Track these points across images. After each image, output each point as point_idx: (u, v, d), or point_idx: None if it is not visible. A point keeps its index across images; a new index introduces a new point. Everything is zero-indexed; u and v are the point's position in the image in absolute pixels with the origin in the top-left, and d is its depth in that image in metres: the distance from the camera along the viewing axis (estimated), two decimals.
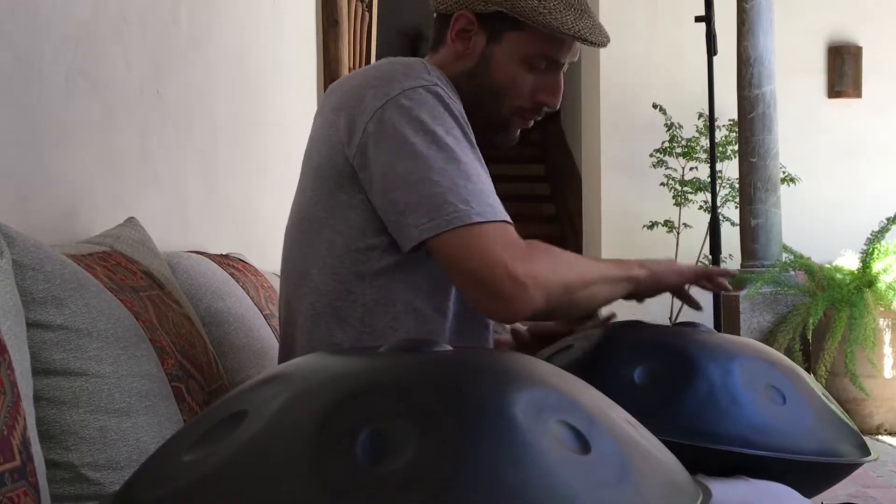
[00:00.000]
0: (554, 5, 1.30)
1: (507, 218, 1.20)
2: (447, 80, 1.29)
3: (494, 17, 1.32)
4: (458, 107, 1.26)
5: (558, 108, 1.39)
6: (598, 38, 1.31)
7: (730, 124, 5.80)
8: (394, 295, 1.27)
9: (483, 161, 1.26)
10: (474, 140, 1.26)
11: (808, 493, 1.23)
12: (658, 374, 1.17)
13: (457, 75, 1.34)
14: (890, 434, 4.49)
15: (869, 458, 1.20)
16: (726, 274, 1.47)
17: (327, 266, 1.28)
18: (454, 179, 1.18)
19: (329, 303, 1.28)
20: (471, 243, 1.16)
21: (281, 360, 1.38)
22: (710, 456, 1.07)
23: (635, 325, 1.34)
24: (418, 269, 1.27)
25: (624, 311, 1.49)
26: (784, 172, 5.42)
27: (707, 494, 0.79)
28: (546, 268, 1.18)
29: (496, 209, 1.19)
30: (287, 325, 1.37)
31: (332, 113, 1.28)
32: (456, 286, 1.26)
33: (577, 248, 7.47)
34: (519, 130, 1.41)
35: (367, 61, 4.22)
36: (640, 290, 1.35)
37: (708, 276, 1.44)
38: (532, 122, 1.40)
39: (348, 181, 1.25)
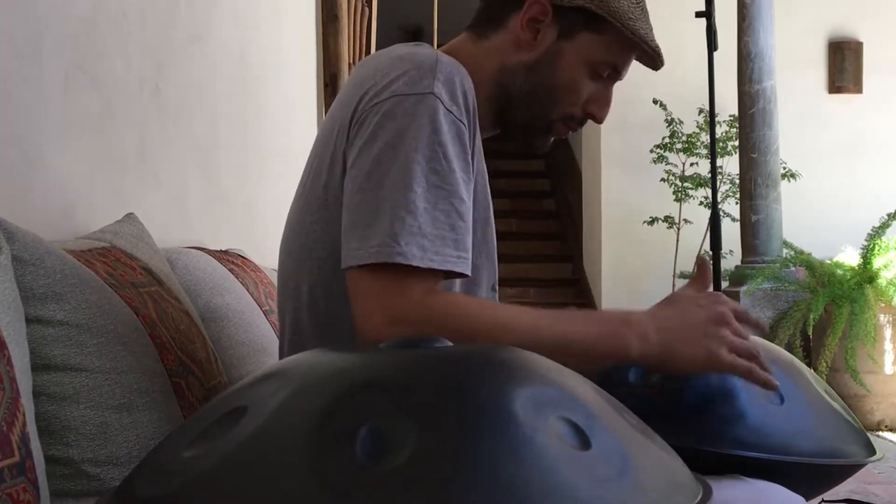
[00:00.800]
0: (639, 14, 1.24)
1: (437, 264, 1.07)
2: (461, 79, 1.16)
3: (574, 12, 1.23)
4: (455, 117, 1.13)
5: (603, 122, 1.32)
6: (661, 60, 1.27)
7: (730, 120, 5.80)
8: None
9: (466, 179, 1.14)
10: (465, 150, 1.15)
11: (809, 493, 1.22)
12: (654, 374, 1.16)
13: (512, 66, 1.26)
14: (891, 430, 4.50)
15: (872, 459, 1.18)
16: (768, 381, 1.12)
17: (317, 286, 1.21)
18: (396, 210, 1.07)
19: (315, 323, 1.22)
20: (362, 286, 1.08)
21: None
22: (705, 456, 1.06)
23: None
24: None
25: (623, 308, 1.46)
26: (784, 168, 5.42)
27: (707, 491, 0.79)
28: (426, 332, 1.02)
29: (426, 252, 1.07)
30: (280, 333, 1.32)
31: (344, 106, 1.19)
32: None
33: (578, 244, 7.48)
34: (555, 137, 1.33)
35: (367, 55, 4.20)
36: (643, 364, 1.13)
37: (749, 373, 1.11)
38: (570, 132, 1.33)
39: (340, 190, 1.16)
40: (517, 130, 1.31)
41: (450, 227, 1.09)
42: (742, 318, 1.13)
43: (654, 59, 1.26)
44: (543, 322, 1.12)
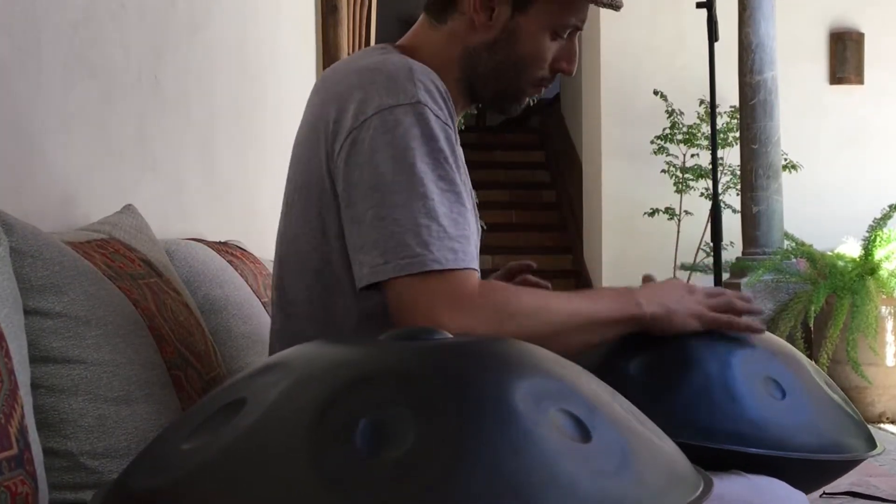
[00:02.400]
0: None
1: (469, 263, 1.12)
2: (435, 83, 1.18)
3: None
4: (442, 120, 1.16)
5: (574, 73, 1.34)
6: (619, 2, 1.26)
7: (731, 111, 5.79)
8: (378, 326, 1.19)
9: (461, 175, 1.17)
10: (457, 150, 1.18)
11: (810, 487, 1.21)
12: (654, 368, 1.16)
13: (473, 47, 1.27)
14: (892, 422, 4.49)
15: (873, 453, 1.18)
16: (751, 312, 1.25)
17: (315, 297, 1.22)
18: (417, 218, 1.09)
19: (315, 329, 1.22)
20: (418, 294, 1.09)
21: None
22: (704, 453, 1.06)
23: None
24: None
25: None
26: (785, 159, 5.41)
27: (708, 483, 0.79)
28: (491, 323, 1.10)
29: (457, 253, 1.10)
30: (272, 338, 1.32)
31: (317, 121, 1.20)
32: None
33: (578, 236, 7.47)
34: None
35: (367, 45, 4.20)
36: (649, 330, 1.19)
37: (730, 324, 1.21)
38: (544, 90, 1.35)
39: (331, 204, 1.18)
40: (489, 103, 1.32)
41: (466, 227, 1.13)
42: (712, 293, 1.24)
43: (611, 5, 1.26)
44: (574, 298, 1.21)
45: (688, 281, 5.89)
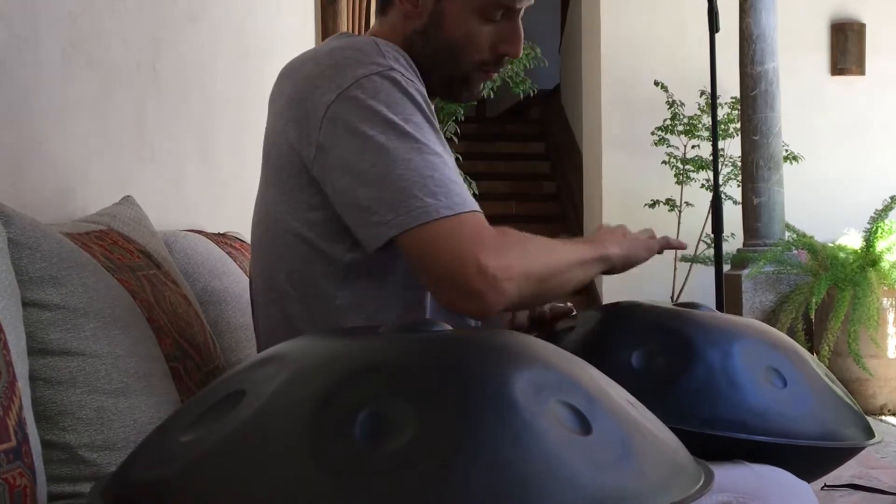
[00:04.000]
0: None
1: (476, 206, 1.15)
2: (402, 56, 1.21)
3: None
4: (417, 87, 1.18)
5: (521, 55, 1.34)
6: None
7: (732, 102, 5.78)
8: (366, 296, 1.21)
9: (446, 144, 1.19)
10: (435, 121, 1.20)
11: (810, 477, 1.22)
12: (656, 358, 1.16)
13: (409, 36, 1.28)
14: (893, 414, 4.50)
15: (872, 442, 1.18)
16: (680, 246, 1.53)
17: (294, 271, 1.23)
18: (419, 170, 1.11)
19: (301, 308, 1.23)
20: (440, 239, 1.10)
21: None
22: (708, 441, 1.06)
23: (635, 307, 1.31)
24: (388, 268, 1.21)
25: (624, 290, 1.47)
26: (787, 150, 5.40)
27: (709, 475, 0.79)
28: (518, 259, 1.12)
29: (465, 199, 1.13)
30: (257, 326, 1.32)
31: (286, 107, 1.21)
32: (426, 284, 1.17)
33: (579, 227, 7.46)
34: (483, 83, 1.35)
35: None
36: (613, 268, 1.31)
37: (668, 244, 1.47)
38: (495, 74, 1.34)
39: (308, 182, 1.19)
40: (439, 92, 1.32)
41: (458, 176, 1.16)
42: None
43: None
44: (566, 242, 1.28)
45: (688, 274, 5.90)
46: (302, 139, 1.18)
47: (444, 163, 1.14)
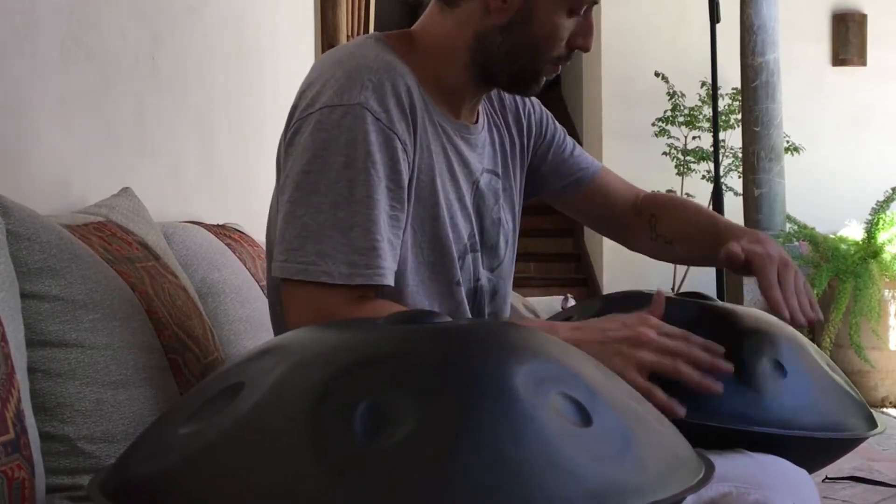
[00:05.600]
0: None
1: (369, 279, 1.11)
2: (391, 87, 1.17)
3: None
4: (382, 125, 1.15)
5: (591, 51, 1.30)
6: None
7: (733, 93, 5.77)
8: None
9: (395, 187, 1.16)
10: (396, 163, 1.16)
11: (812, 467, 1.22)
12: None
13: (488, 30, 1.24)
14: (895, 406, 4.50)
15: (874, 432, 1.18)
16: (714, 367, 1.09)
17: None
18: (322, 226, 1.11)
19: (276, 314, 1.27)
20: (297, 299, 1.12)
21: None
22: (708, 432, 1.06)
23: (636, 297, 1.31)
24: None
25: (625, 281, 1.45)
26: (788, 141, 5.39)
27: (710, 468, 0.79)
28: None
29: (356, 268, 1.11)
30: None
31: (292, 107, 1.23)
32: None
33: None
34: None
35: (366, 29, 4.19)
36: None
37: (654, 400, 1.03)
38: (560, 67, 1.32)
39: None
40: (506, 85, 1.31)
41: (380, 239, 1.13)
42: (676, 336, 1.10)
43: None
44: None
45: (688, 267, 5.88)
46: (282, 144, 1.21)
47: (360, 220, 1.11)
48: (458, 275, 1.27)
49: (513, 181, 1.42)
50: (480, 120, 1.36)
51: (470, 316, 1.31)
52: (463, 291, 1.28)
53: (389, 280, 1.14)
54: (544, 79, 1.30)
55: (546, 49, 1.26)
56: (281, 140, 1.24)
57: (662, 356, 1.07)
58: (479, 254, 1.33)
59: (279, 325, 1.29)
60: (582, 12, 1.25)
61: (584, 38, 1.27)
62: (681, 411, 1.04)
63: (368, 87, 1.16)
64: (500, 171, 1.38)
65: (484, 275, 1.33)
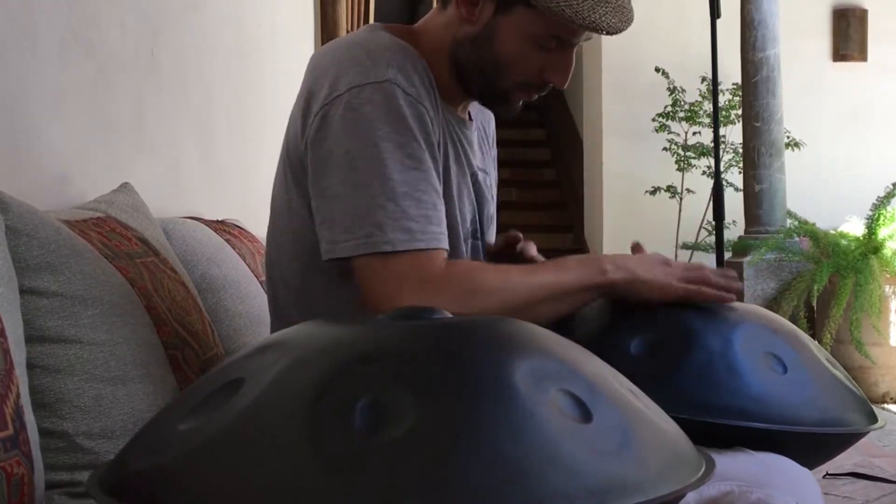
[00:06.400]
0: None
1: (429, 243, 1.14)
2: (415, 65, 1.19)
3: None
4: (414, 102, 1.17)
5: (566, 87, 1.30)
6: (616, 25, 1.20)
7: (733, 88, 5.76)
8: (354, 292, 1.21)
9: (434, 163, 1.19)
10: (430, 134, 1.19)
11: (812, 463, 1.21)
12: (656, 345, 1.15)
13: (462, 38, 1.26)
14: (895, 402, 4.50)
15: (874, 427, 1.18)
16: (729, 289, 1.23)
17: (294, 259, 1.26)
18: (375, 199, 1.13)
19: (292, 295, 1.26)
20: (371, 273, 1.14)
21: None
22: (708, 429, 1.06)
23: None
24: None
25: None
26: (788, 137, 5.39)
27: (710, 464, 0.78)
28: (452, 303, 1.06)
29: (413, 234, 1.13)
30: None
31: (301, 95, 1.23)
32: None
33: (579, 214, 7.46)
34: (521, 102, 1.32)
35: (365, 23, 4.18)
36: (618, 295, 1.21)
37: (699, 294, 1.21)
38: (535, 97, 1.31)
39: (303, 175, 1.21)
40: (478, 97, 1.32)
41: (432, 206, 1.15)
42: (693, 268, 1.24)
43: (602, 31, 1.21)
44: (539, 270, 1.24)
45: (689, 260, 5.88)
46: (301, 132, 1.20)
47: (407, 193, 1.14)
48: (464, 256, 1.30)
49: (493, 183, 1.45)
50: (473, 122, 1.39)
51: None
52: None
53: (445, 244, 1.17)
54: (519, 102, 1.31)
55: (509, 71, 1.26)
56: (290, 132, 1.23)
57: (688, 275, 1.21)
58: (480, 242, 1.36)
59: (278, 319, 1.29)
60: (552, 47, 1.24)
61: (556, 73, 1.26)
62: (731, 297, 1.21)
63: (393, 66, 1.17)
64: (487, 170, 1.41)
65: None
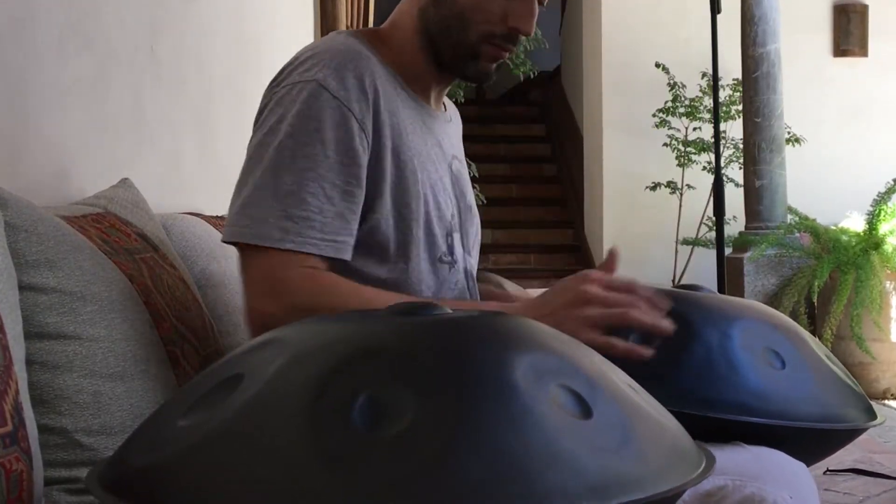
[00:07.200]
0: None
1: (300, 246, 1.14)
2: (353, 67, 1.20)
3: None
4: (339, 102, 1.18)
5: (532, 34, 1.31)
6: None
7: (734, 84, 5.76)
8: (350, 267, 1.22)
9: (347, 163, 1.18)
10: (351, 139, 1.19)
11: (811, 458, 1.21)
12: (655, 340, 1.15)
13: (424, 6, 1.28)
14: None
15: (873, 423, 1.18)
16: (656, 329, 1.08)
17: None
18: (262, 192, 1.16)
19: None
20: (243, 263, 1.19)
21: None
22: (706, 423, 1.05)
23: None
24: (366, 240, 1.23)
25: (625, 274, 1.43)
26: (789, 133, 5.38)
27: (710, 460, 0.78)
28: (286, 313, 1.10)
29: (287, 234, 1.14)
30: None
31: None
32: None
33: (579, 210, 7.46)
34: (494, 65, 1.32)
35: (365, 19, 4.17)
36: None
37: (612, 347, 1.05)
38: (507, 53, 1.31)
39: None
40: (451, 68, 1.33)
41: (317, 211, 1.15)
42: (620, 287, 1.11)
43: None
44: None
45: (689, 258, 5.87)
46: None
47: (296, 190, 1.15)
48: (443, 253, 1.31)
49: (467, 172, 1.47)
50: (448, 110, 1.43)
51: (455, 296, 1.33)
52: (447, 270, 1.32)
53: (322, 251, 1.16)
54: (492, 65, 1.31)
55: (475, 21, 1.26)
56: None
57: (609, 308, 1.08)
58: (460, 235, 1.36)
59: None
60: None
61: (521, 19, 1.26)
62: (646, 352, 1.04)
63: (329, 67, 1.20)
64: (461, 158, 1.43)
65: (464, 257, 1.37)
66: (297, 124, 1.17)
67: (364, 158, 1.20)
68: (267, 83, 1.28)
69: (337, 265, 1.20)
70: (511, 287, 1.50)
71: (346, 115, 1.18)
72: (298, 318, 0.95)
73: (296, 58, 1.25)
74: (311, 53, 1.23)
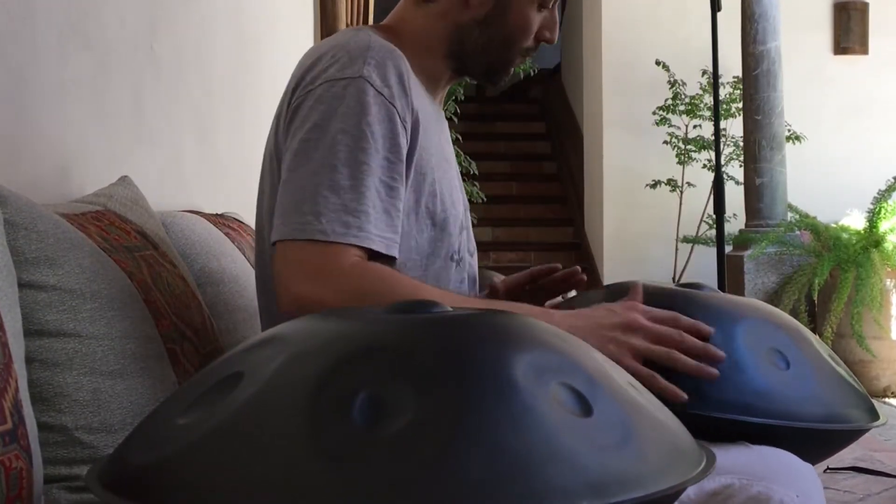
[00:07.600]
0: None
1: (360, 240, 1.14)
2: (391, 63, 1.20)
3: None
4: (384, 98, 1.18)
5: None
6: None
7: (734, 81, 5.75)
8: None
9: (395, 160, 1.19)
10: (396, 136, 1.19)
11: (814, 458, 1.21)
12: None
13: (467, 24, 1.30)
14: None
15: (876, 424, 1.18)
16: (707, 356, 1.08)
17: (267, 262, 1.26)
18: (318, 187, 1.14)
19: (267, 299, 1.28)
20: (291, 258, 1.14)
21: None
22: (709, 423, 1.05)
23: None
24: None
25: (625, 272, 1.44)
26: (789, 130, 5.38)
27: (711, 458, 0.78)
28: (340, 301, 1.09)
29: (349, 228, 1.13)
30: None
31: (286, 91, 1.26)
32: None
33: (579, 208, 7.46)
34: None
35: (365, 17, 4.17)
36: None
37: (654, 382, 1.04)
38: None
39: (278, 172, 1.23)
40: (479, 77, 1.37)
41: (373, 206, 1.15)
42: (665, 320, 1.11)
43: None
44: (461, 302, 1.13)
45: (689, 256, 5.87)
46: (281, 124, 1.24)
47: (354, 184, 1.14)
48: (454, 251, 1.32)
49: None
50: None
51: (466, 293, 1.35)
52: (457, 268, 1.33)
53: (378, 246, 1.16)
54: (512, 70, 1.37)
55: (519, 41, 1.32)
56: (274, 123, 1.26)
57: (655, 343, 1.08)
58: (468, 232, 1.39)
59: (268, 315, 1.30)
60: (551, 6, 1.32)
61: (550, 31, 1.34)
62: (683, 396, 1.05)
63: (371, 63, 1.19)
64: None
65: (469, 255, 1.39)
66: (348, 121, 1.16)
67: (404, 155, 1.21)
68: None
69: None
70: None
71: (391, 110, 1.19)
72: (348, 304, 1.03)
73: (320, 55, 1.23)
74: (344, 52, 1.21)
